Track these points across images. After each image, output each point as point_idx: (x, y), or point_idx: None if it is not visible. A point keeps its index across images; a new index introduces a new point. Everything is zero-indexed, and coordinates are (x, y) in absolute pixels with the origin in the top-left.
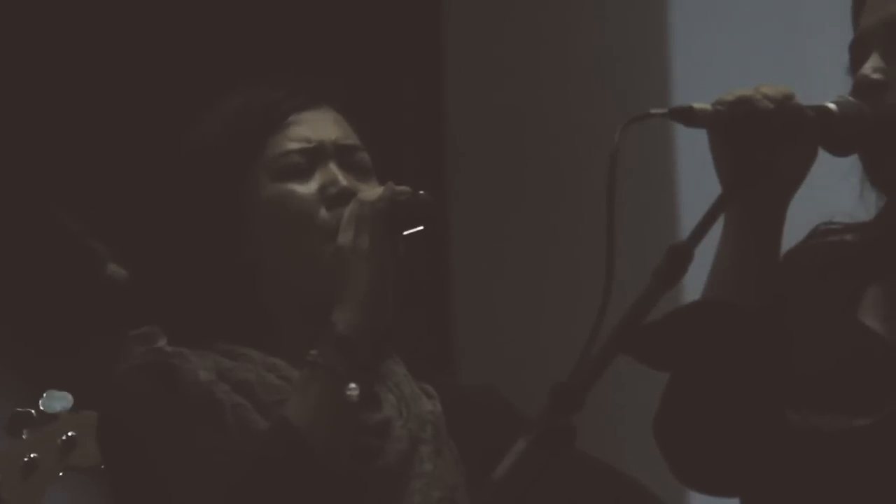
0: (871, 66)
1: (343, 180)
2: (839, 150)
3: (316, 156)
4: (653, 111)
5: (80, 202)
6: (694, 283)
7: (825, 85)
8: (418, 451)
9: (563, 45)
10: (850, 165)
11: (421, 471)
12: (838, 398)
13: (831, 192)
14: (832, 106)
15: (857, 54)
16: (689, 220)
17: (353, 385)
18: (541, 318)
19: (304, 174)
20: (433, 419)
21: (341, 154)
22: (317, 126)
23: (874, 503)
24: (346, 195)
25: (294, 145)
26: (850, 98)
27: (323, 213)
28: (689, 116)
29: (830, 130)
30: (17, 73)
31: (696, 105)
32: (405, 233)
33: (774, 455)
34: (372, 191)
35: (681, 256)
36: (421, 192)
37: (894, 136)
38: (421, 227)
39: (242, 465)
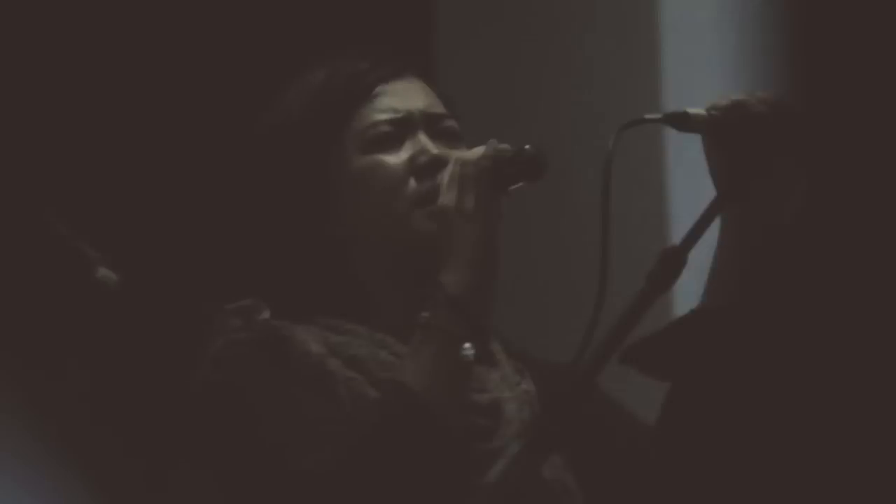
0: None
1: (433, 149)
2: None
3: (404, 125)
4: (648, 116)
5: (84, 204)
6: (686, 287)
7: None
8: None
9: (554, 49)
10: None
11: None
12: (847, 399)
13: None
14: None
15: None
16: (679, 225)
17: (468, 345)
18: (534, 325)
19: (393, 144)
20: (528, 399)
21: (429, 123)
22: (404, 96)
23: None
24: (437, 164)
25: (382, 116)
26: None
27: (413, 182)
28: (684, 122)
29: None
30: (11, 74)
31: (691, 110)
32: (510, 189)
33: (772, 461)
34: (472, 150)
35: (674, 261)
36: (526, 146)
37: None
38: (524, 184)
39: (360, 431)
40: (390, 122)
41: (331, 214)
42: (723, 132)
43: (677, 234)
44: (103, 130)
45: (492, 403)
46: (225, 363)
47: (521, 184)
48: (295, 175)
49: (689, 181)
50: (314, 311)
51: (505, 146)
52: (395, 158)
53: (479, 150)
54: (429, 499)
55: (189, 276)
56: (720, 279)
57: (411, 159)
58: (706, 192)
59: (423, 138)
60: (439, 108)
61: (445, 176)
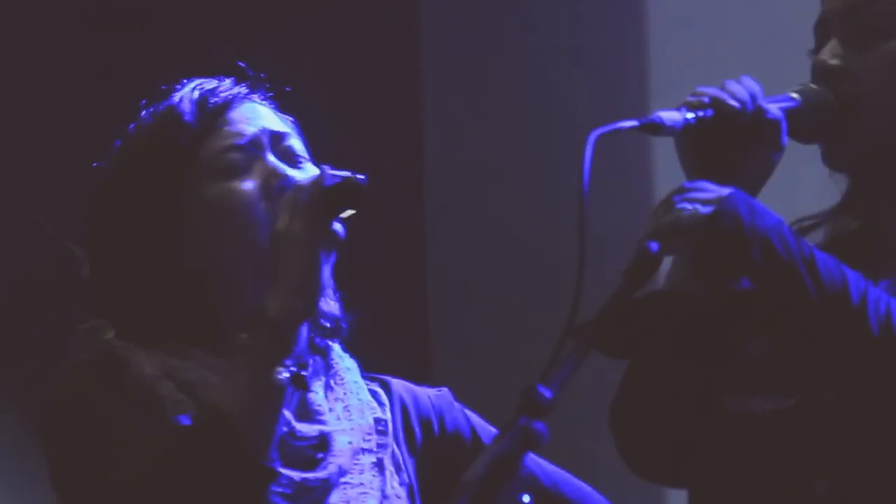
0: (829, 52)
1: (283, 171)
2: (805, 139)
3: (251, 149)
4: (622, 124)
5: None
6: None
7: (800, 71)
8: (357, 463)
9: (541, 46)
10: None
11: (358, 481)
12: (774, 381)
13: (796, 177)
14: (795, 95)
15: (819, 37)
16: None
17: (282, 370)
18: (518, 325)
19: (243, 170)
20: (380, 428)
21: (275, 143)
22: (249, 119)
23: (801, 481)
24: (289, 187)
25: (228, 141)
26: (813, 86)
27: (264, 207)
28: (659, 128)
29: (796, 120)
30: None
31: (665, 114)
32: (339, 217)
33: (714, 440)
34: (307, 176)
35: (650, 255)
36: (359, 175)
37: (852, 120)
38: (352, 212)
39: (164, 447)
40: (237, 147)
41: (187, 245)
42: (698, 134)
43: None
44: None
45: (324, 436)
46: (66, 383)
47: (349, 211)
48: (145, 208)
49: (676, 179)
50: (167, 335)
51: (338, 173)
52: (247, 184)
53: (311, 176)
54: None
55: None
56: (680, 266)
57: (264, 183)
58: None
59: (271, 161)
60: (283, 127)
61: (283, 201)
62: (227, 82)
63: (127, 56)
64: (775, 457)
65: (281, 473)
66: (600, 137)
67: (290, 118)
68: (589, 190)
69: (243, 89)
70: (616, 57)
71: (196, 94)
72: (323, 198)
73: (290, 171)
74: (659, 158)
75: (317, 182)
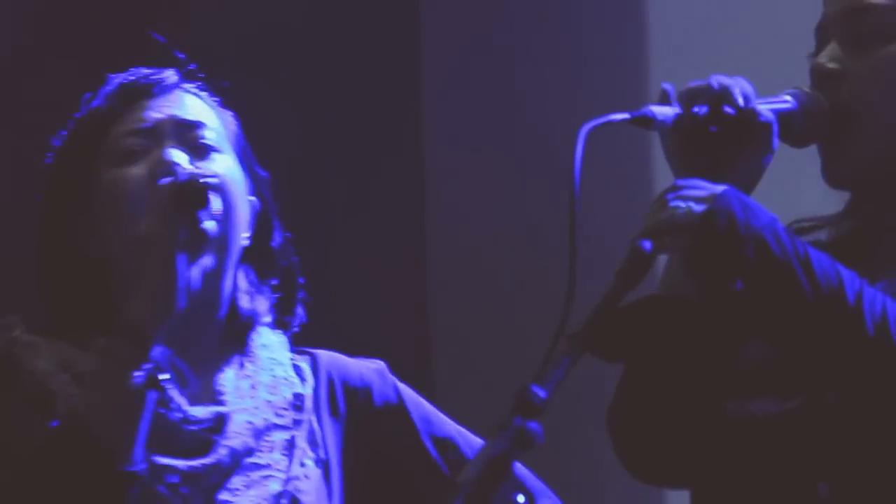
0: (828, 55)
1: (171, 159)
2: (795, 142)
3: (150, 137)
4: (613, 117)
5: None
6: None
7: (800, 73)
8: (267, 441)
9: (541, 46)
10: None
11: (266, 461)
12: (773, 384)
13: (798, 180)
14: (788, 98)
15: (819, 40)
16: None
17: (138, 373)
18: (518, 325)
19: (138, 157)
20: (297, 404)
21: (180, 132)
22: (157, 108)
23: (806, 483)
24: (175, 177)
25: (128, 127)
26: (807, 89)
27: (149, 195)
28: (649, 123)
29: (788, 123)
30: None
31: (656, 108)
32: (194, 215)
33: (715, 444)
34: (210, 168)
35: (643, 254)
36: (203, 175)
37: (849, 129)
38: (199, 210)
39: (30, 452)
40: (137, 132)
41: (88, 232)
42: (688, 130)
43: None
44: None
45: (219, 417)
46: None
47: (201, 210)
48: (58, 195)
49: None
50: (73, 327)
51: (190, 172)
52: (137, 171)
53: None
54: None
55: None
56: (674, 269)
57: (150, 171)
58: None
59: (165, 149)
60: (194, 117)
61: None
62: (169, 72)
63: (130, 54)
64: (777, 460)
65: (168, 465)
66: (596, 133)
67: (231, 113)
68: (588, 189)
69: (174, 77)
70: (616, 55)
71: (123, 80)
72: (175, 197)
73: (187, 162)
74: (658, 157)
75: (172, 181)
